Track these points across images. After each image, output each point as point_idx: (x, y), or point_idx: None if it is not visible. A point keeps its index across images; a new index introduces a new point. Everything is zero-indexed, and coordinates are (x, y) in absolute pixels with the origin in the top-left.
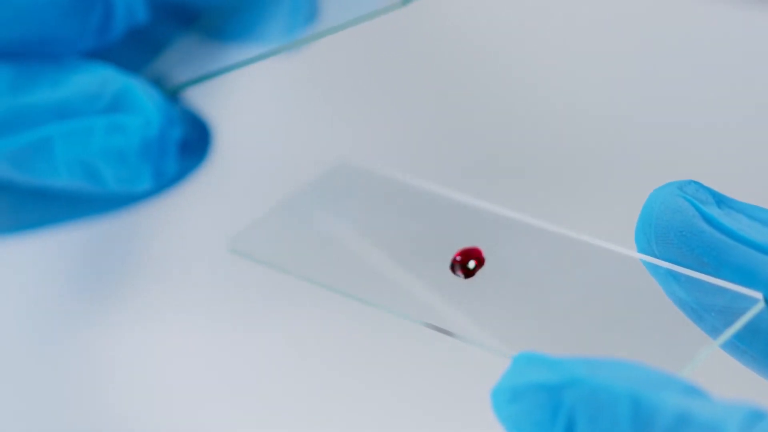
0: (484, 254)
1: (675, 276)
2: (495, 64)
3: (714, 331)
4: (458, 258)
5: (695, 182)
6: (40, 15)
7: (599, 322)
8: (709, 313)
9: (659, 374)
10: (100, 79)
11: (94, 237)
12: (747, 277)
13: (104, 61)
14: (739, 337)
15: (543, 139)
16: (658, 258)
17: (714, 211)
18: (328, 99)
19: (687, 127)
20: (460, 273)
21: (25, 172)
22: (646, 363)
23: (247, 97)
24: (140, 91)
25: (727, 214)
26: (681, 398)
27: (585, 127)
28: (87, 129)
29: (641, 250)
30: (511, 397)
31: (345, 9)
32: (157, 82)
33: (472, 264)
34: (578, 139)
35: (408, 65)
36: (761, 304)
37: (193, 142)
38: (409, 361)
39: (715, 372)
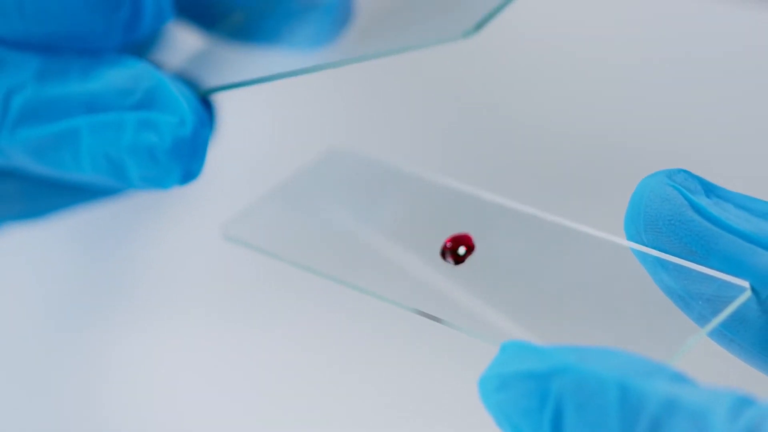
0: (475, 241)
1: (663, 264)
2: (493, 58)
3: (701, 320)
4: (449, 244)
5: (684, 171)
6: (68, 10)
7: (588, 310)
8: (696, 301)
9: (647, 362)
10: (133, 74)
11: (89, 228)
12: (735, 266)
13: (136, 57)
14: (726, 325)
15: (535, 129)
16: (646, 246)
17: (703, 200)
18: (324, 88)
19: (680, 118)
20: (450, 259)
21: (46, 164)
22: (633, 351)
23: (244, 91)
24: (174, 88)
25: (715, 204)
26: (669, 385)
27: (578, 117)
28: (117, 124)
29: (630, 238)
30: (498, 385)
31: (402, 36)
32: (188, 83)
33: (462, 250)
34: (572, 128)
35: (406, 58)
36: (748, 293)
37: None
38: (400, 349)
39: (703, 360)
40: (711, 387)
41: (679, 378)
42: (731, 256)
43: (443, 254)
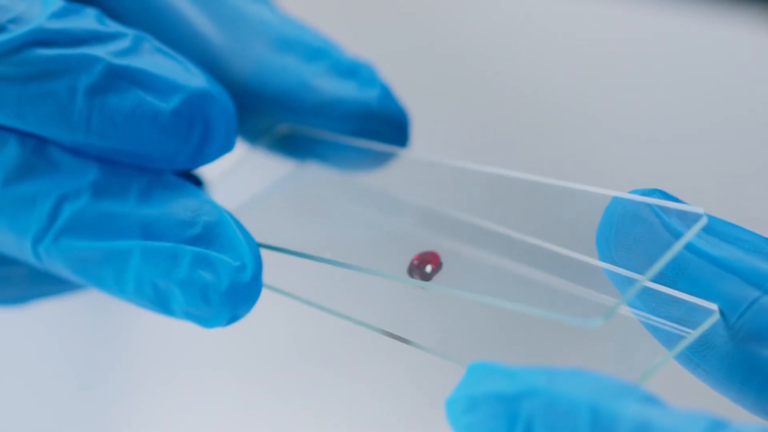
0: (442, 258)
1: (632, 284)
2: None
3: (668, 342)
4: (416, 262)
5: (660, 190)
6: (137, 128)
7: (555, 331)
8: (664, 323)
9: (617, 383)
10: (194, 204)
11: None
12: (704, 290)
13: (198, 189)
14: (692, 350)
15: (509, 146)
16: (616, 264)
17: (675, 222)
18: None
19: (668, 138)
20: (417, 277)
21: (84, 278)
22: (601, 373)
23: None
24: (235, 228)
25: (688, 226)
26: (641, 407)
27: (562, 131)
28: (172, 255)
29: (601, 255)
30: (466, 407)
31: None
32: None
33: (429, 268)
34: (546, 143)
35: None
36: (716, 315)
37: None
38: (365, 370)
39: (668, 384)
40: (683, 409)
41: (650, 400)
42: (700, 280)
43: (410, 272)
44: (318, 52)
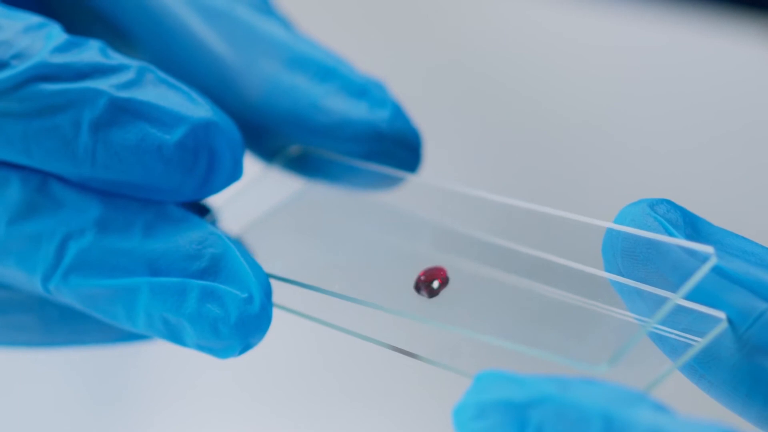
0: (449, 273)
1: (639, 294)
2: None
3: (675, 352)
4: (422, 277)
5: (667, 201)
6: (142, 162)
7: (559, 340)
8: (670, 332)
9: (628, 392)
10: (199, 237)
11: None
12: (711, 302)
13: (203, 220)
14: (698, 361)
15: (513, 163)
16: (622, 274)
17: (682, 233)
18: None
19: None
20: (424, 292)
21: (97, 312)
22: (611, 381)
23: None
24: (241, 259)
25: (695, 238)
26: (653, 415)
27: (566, 149)
28: (179, 290)
29: (607, 264)
30: (475, 414)
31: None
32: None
33: (436, 284)
34: (550, 158)
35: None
36: (724, 324)
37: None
38: (372, 384)
39: (671, 395)
40: (694, 418)
41: (660, 408)
42: (706, 291)
43: (417, 287)
44: (329, 71)
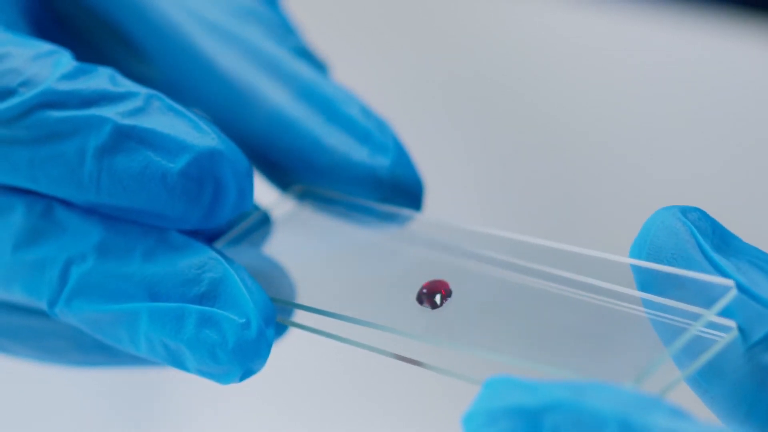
0: (452, 286)
1: (652, 273)
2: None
3: (684, 356)
4: (425, 290)
5: (699, 210)
6: (146, 190)
7: (567, 353)
8: (679, 311)
9: (644, 397)
10: (198, 261)
11: None
12: (723, 313)
13: (203, 244)
14: (702, 375)
15: (518, 171)
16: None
17: (710, 243)
18: None
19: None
20: (427, 305)
21: (102, 336)
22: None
23: None
24: (239, 283)
25: (723, 250)
26: (670, 420)
27: (582, 161)
28: (178, 315)
29: (633, 266)
30: (485, 422)
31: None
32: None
33: (438, 298)
34: (557, 172)
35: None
36: (735, 332)
37: None
38: (382, 390)
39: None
40: (712, 424)
41: (678, 413)
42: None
43: (420, 299)
44: (335, 108)
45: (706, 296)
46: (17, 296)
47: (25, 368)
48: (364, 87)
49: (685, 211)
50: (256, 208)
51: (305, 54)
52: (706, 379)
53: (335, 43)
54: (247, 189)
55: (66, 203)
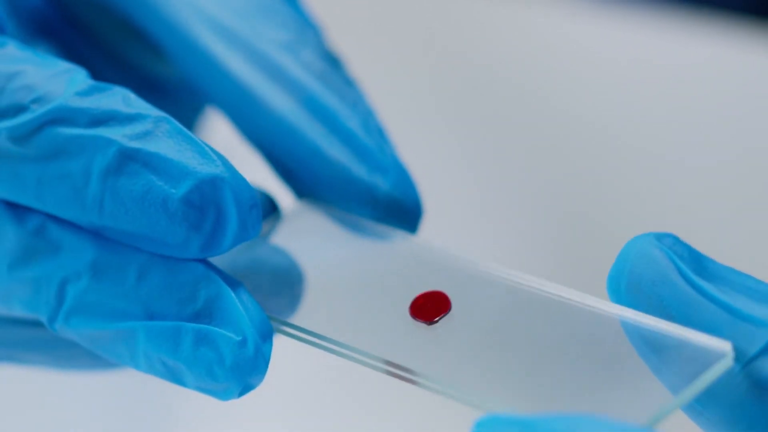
0: (450, 300)
1: (641, 323)
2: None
3: (674, 384)
4: (420, 302)
5: (673, 235)
6: (147, 216)
7: (562, 376)
8: (671, 363)
9: (641, 431)
10: (194, 279)
11: None
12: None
13: (197, 263)
14: (697, 398)
15: (520, 190)
16: (626, 304)
17: (689, 267)
18: None
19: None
20: (421, 320)
21: (102, 353)
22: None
23: None
24: (235, 300)
25: (701, 273)
26: None
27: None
28: (174, 334)
29: (612, 296)
30: None
31: None
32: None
33: (435, 312)
34: (557, 188)
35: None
36: (729, 360)
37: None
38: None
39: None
40: None
41: None
42: (710, 326)
43: (414, 313)
44: (337, 120)
45: (700, 361)
46: (18, 312)
47: (26, 370)
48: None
49: (659, 237)
50: (276, 213)
51: (319, 49)
52: (701, 402)
53: (343, 47)
54: (251, 219)
55: (57, 221)
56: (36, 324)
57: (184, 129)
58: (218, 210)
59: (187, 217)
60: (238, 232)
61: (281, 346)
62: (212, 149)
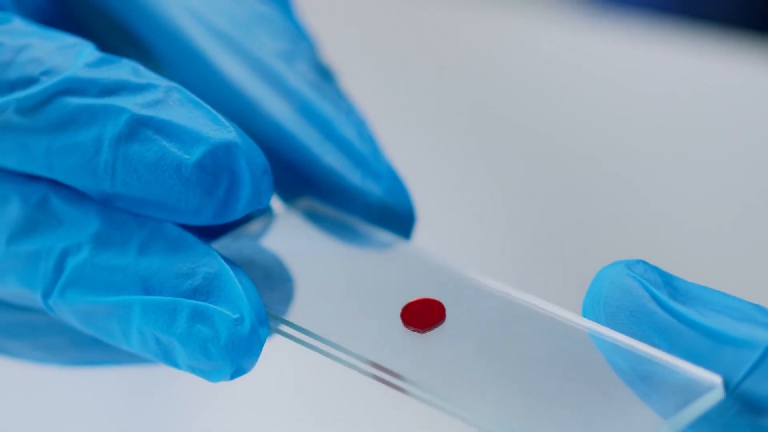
0: (445, 310)
1: (632, 355)
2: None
3: (664, 413)
4: (412, 309)
5: (643, 262)
6: (162, 180)
7: (551, 396)
8: (659, 394)
9: None
10: (194, 256)
11: None
12: (699, 362)
13: (200, 238)
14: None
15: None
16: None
17: (664, 293)
18: None
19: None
20: (414, 328)
21: (94, 330)
22: None
23: None
24: (234, 279)
25: (676, 297)
26: None
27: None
28: (170, 309)
29: (590, 329)
30: None
31: None
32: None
33: (428, 320)
34: (548, 202)
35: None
36: (720, 391)
37: None
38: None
39: None
40: None
41: None
42: (696, 352)
43: (405, 320)
44: (332, 127)
45: (689, 392)
46: (11, 288)
47: (24, 370)
48: (361, 98)
49: (629, 265)
50: (269, 212)
51: (313, 62)
52: (693, 426)
53: (338, 57)
54: (264, 185)
55: (62, 194)
56: (21, 309)
57: (195, 97)
58: (232, 175)
59: (200, 182)
60: (251, 197)
61: (274, 348)
62: (224, 116)
